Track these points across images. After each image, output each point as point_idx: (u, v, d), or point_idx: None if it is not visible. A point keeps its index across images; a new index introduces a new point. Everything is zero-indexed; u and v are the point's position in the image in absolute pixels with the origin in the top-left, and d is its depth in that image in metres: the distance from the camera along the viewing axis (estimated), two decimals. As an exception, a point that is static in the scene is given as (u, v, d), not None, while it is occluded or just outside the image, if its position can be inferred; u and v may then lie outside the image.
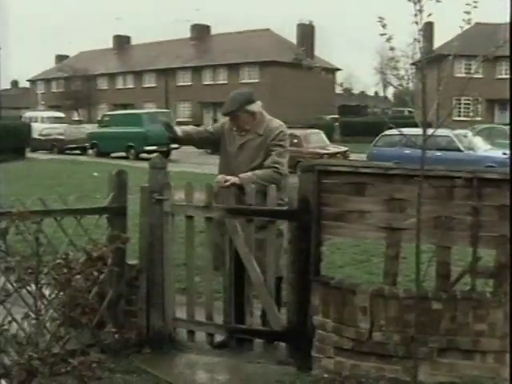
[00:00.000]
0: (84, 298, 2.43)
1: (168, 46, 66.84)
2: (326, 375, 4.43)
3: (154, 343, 5.02)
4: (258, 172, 5.03)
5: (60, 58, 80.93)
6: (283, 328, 4.78)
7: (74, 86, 64.52)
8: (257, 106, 5.19)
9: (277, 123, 5.26)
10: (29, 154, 31.89)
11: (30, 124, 35.87)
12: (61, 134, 35.81)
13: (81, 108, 66.13)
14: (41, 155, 32.39)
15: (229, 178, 4.96)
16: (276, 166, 5.04)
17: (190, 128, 5.70)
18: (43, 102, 68.40)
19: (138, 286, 5.00)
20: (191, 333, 5.13)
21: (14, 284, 2.89)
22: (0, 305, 3.13)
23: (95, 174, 19.57)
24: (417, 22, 3.47)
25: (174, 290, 5.17)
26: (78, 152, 34.23)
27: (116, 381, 4.33)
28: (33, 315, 2.71)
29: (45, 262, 2.64)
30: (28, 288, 2.63)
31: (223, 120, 5.47)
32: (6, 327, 2.72)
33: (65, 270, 2.38)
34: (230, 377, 4.76)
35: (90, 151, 33.22)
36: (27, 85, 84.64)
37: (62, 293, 2.46)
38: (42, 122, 41.91)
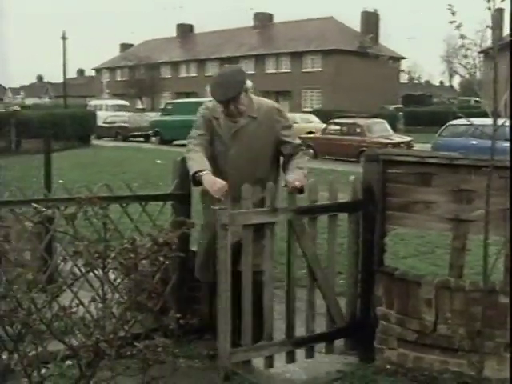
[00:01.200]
0: (150, 283, 2.46)
1: (231, 35, 67.07)
2: (388, 366, 4.39)
3: (215, 330, 5.04)
4: (300, 163, 4.58)
5: (124, 47, 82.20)
6: (345, 323, 4.72)
7: (137, 75, 65.39)
8: (249, 82, 4.55)
9: (268, 101, 4.72)
10: (94, 142, 32.55)
11: (95, 112, 36.58)
12: (125, 122, 36.41)
13: (144, 96, 66.99)
14: (105, 142, 33.02)
15: (298, 177, 4.40)
16: (302, 147, 4.70)
17: (202, 154, 4.50)
18: (108, 91, 69.57)
19: (201, 273, 5.04)
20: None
21: (82, 268, 2.94)
22: (68, 288, 3.20)
23: (158, 161, 19.83)
24: (489, 8, 3.36)
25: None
26: (141, 139, 34.73)
27: (179, 365, 4.42)
28: (99, 299, 2.75)
29: (112, 247, 2.67)
30: (95, 272, 2.67)
31: (201, 112, 4.71)
32: (73, 310, 2.77)
33: (131, 255, 2.41)
34: (291, 365, 4.75)
35: (153, 139, 33.66)
36: (93, 73, 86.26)
37: (128, 277, 2.49)
38: (107, 110, 42.65)
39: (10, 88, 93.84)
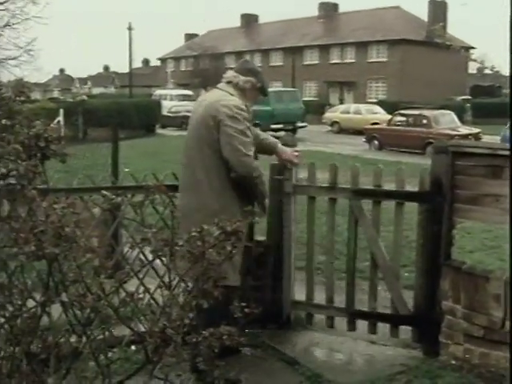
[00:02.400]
0: (216, 272, 2.47)
1: (296, 25, 66.77)
2: (453, 362, 4.32)
3: (278, 319, 5.06)
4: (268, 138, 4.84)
5: (189, 37, 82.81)
6: (409, 312, 4.69)
7: (202, 65, 65.79)
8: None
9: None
10: (159, 131, 32.97)
11: (160, 101, 37.02)
12: (189, 112, 36.60)
13: (208, 86, 67.31)
14: (170, 132, 33.39)
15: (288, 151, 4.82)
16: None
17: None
18: (173, 80, 70.28)
19: (265, 262, 5.06)
20: (310, 315, 5.13)
21: (149, 255, 2.98)
22: (134, 275, 3.25)
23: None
24: None
25: (293, 269, 5.17)
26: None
27: (244, 354, 4.46)
28: (166, 286, 2.77)
29: (179, 235, 2.69)
30: (162, 259, 2.70)
31: (236, 102, 4.36)
32: (140, 296, 2.80)
33: (199, 243, 2.42)
34: (354, 357, 4.73)
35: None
36: (157, 63, 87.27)
37: (195, 265, 2.51)
38: (171, 100, 43.09)
39: (77, 78, 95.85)
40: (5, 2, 28.30)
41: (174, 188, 4.46)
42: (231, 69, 4.58)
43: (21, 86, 2.81)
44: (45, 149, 2.69)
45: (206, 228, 2.39)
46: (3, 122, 2.69)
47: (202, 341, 2.57)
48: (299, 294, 5.17)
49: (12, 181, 2.59)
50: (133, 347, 3.97)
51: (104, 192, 2.76)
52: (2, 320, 2.61)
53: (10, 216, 2.59)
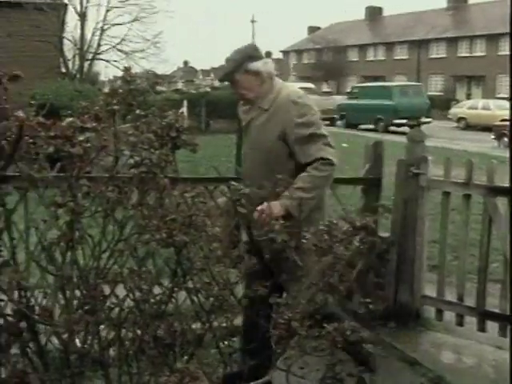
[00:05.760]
0: (343, 266, 2.44)
1: (422, 17, 65.23)
2: None
3: (399, 318, 4.96)
4: (300, 183, 3.52)
5: (312, 30, 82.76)
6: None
7: (325, 58, 65.55)
8: (264, 65, 3.70)
9: (290, 91, 3.71)
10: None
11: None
12: (310, 105, 36.64)
13: (330, 79, 67.10)
14: (292, 124, 33.41)
15: (264, 208, 3.46)
16: (321, 156, 3.54)
17: None
18: (294, 73, 70.47)
19: (388, 259, 4.97)
20: (440, 312, 5.00)
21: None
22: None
23: (344, 144, 19.79)
24: None
25: (424, 266, 5.07)
26: (327, 123, 34.81)
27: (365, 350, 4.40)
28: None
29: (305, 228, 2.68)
30: (287, 251, 2.70)
31: None
32: (264, 287, 2.81)
33: (326, 237, 2.40)
34: (478, 361, 4.56)
35: (339, 122, 33.65)
36: (279, 56, 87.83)
37: (321, 259, 2.49)
38: (294, 93, 43.08)
39: (201, 70, 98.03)
40: (135, -3, 29.43)
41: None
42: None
43: (155, 78, 2.88)
44: (176, 139, 2.74)
45: (334, 222, 2.36)
46: (137, 111, 2.76)
47: (326, 335, 2.54)
48: (429, 291, 5.07)
49: (144, 169, 2.66)
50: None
51: (233, 183, 2.79)
52: (132, 304, 2.69)
53: (141, 203, 2.66)
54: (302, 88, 3.84)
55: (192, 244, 2.51)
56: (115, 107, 2.63)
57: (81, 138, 2.29)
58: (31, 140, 2.41)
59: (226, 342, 3.07)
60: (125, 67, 2.80)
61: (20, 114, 2.14)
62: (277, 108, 3.61)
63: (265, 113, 3.66)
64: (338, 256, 2.39)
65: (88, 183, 2.47)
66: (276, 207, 3.43)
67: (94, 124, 2.35)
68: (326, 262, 2.44)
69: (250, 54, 3.68)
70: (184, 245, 2.48)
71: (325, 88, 65.50)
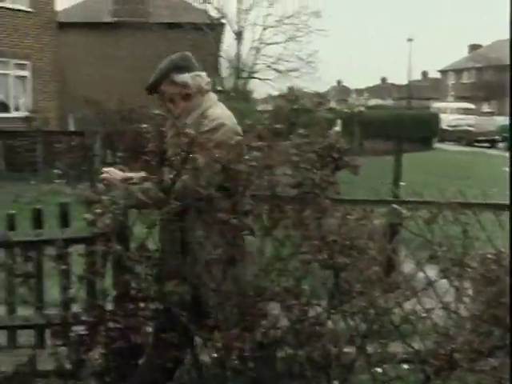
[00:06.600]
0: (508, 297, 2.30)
1: None
2: None
3: None
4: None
5: (473, 48, 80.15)
6: None
7: (486, 77, 63.19)
8: (193, 78, 3.35)
9: (216, 114, 3.23)
10: (436, 145, 32.23)
11: (439, 115, 36.24)
12: (470, 126, 35.42)
13: (492, 99, 64.54)
14: (448, 146, 32.47)
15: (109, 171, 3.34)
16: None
17: None
18: (453, 93, 68.51)
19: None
20: None
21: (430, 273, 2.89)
22: (416, 293, 3.16)
23: (505, 168, 18.92)
24: None
25: None
26: (486, 145, 33.50)
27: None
28: (452, 308, 2.66)
29: (469, 256, 2.57)
30: (451, 280, 2.59)
31: None
32: (423, 315, 2.73)
33: (493, 266, 2.28)
34: None
35: (500, 144, 32.25)
36: (437, 75, 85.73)
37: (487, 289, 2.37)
38: (451, 113, 41.94)
39: (354, 89, 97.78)
40: (291, 17, 29.86)
41: (461, 205, 4.28)
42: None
43: (319, 97, 2.89)
44: (338, 160, 2.73)
45: (503, 251, 2.24)
46: (301, 131, 2.77)
47: (490, 370, 2.42)
48: None
49: (305, 189, 2.66)
50: (405, 366, 3.89)
51: (395, 206, 2.73)
52: (287, 323, 2.69)
53: (301, 223, 2.66)
54: (460, 108, 3.69)
55: (352, 266, 2.48)
56: (279, 126, 2.66)
57: (247, 157, 2.33)
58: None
59: (379, 369, 3.01)
60: (289, 87, 2.83)
61: (190, 131, 2.21)
62: (196, 126, 3.11)
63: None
64: (504, 286, 2.27)
65: (251, 201, 2.50)
66: (117, 176, 3.28)
67: (259, 143, 2.38)
68: (493, 293, 2.32)
69: (179, 64, 3.37)
70: (344, 267, 2.45)
71: (485, 108, 63.06)
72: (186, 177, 2.63)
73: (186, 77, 3.31)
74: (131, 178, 3.18)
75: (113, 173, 3.29)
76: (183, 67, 3.34)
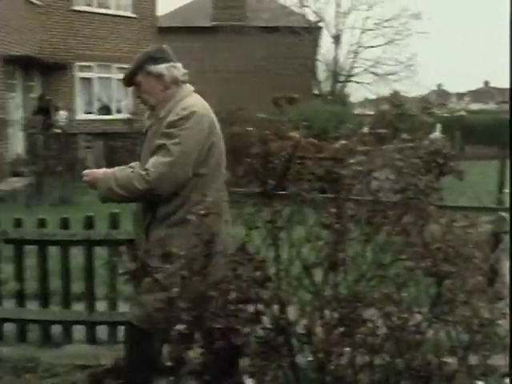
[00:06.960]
0: None
1: None
2: None
3: None
4: (118, 173, 3.34)
5: None
6: None
7: None
8: (168, 69, 3.39)
9: (188, 103, 3.34)
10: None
11: None
12: None
13: None
14: None
15: (89, 172, 3.43)
16: (148, 170, 3.22)
17: None
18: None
19: None
20: None
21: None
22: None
23: None
24: None
25: None
26: None
27: None
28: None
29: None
30: None
31: None
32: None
33: None
34: None
35: None
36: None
37: None
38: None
39: (455, 93, 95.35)
40: (390, 20, 29.39)
41: None
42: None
43: (425, 102, 2.83)
44: (443, 165, 2.67)
45: None
46: (404, 136, 2.73)
47: None
48: None
49: (409, 195, 2.61)
50: (507, 380, 3.77)
51: (503, 213, 2.64)
52: (386, 330, 2.65)
53: (404, 229, 2.61)
54: None
55: (456, 275, 2.41)
56: (383, 131, 2.62)
57: (351, 161, 2.31)
58: (299, 160, 2.49)
59: (480, 382, 2.93)
60: (392, 91, 2.80)
61: (295, 134, 2.21)
62: (167, 117, 3.32)
63: (158, 121, 3.37)
64: None
65: (354, 206, 2.48)
66: (98, 173, 3.40)
67: (364, 147, 2.36)
68: None
69: (153, 55, 3.41)
70: (448, 275, 2.39)
71: None
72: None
73: (161, 68, 3.36)
74: (112, 173, 3.32)
75: (93, 172, 3.42)
76: (159, 58, 3.38)
